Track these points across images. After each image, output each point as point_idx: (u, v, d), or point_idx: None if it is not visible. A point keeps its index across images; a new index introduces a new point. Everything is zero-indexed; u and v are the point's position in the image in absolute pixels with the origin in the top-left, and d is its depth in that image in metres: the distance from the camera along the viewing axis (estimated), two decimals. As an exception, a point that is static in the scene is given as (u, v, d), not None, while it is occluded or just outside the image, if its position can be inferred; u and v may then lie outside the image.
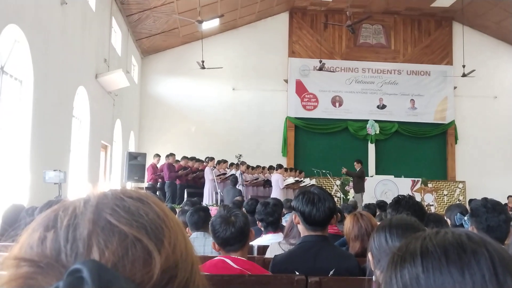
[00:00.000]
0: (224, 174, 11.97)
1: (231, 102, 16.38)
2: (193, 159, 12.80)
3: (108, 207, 0.53)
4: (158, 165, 12.51)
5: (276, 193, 11.10)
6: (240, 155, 12.06)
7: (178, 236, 0.55)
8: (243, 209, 5.50)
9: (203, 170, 12.15)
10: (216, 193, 11.11)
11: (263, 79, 16.47)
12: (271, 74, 16.52)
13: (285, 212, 5.29)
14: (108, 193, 0.56)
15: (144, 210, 0.54)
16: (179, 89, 16.22)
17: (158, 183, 12.29)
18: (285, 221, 4.07)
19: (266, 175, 13.11)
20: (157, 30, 14.54)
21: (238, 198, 8.93)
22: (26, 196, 6.86)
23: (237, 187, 10.94)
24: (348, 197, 14.37)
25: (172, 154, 12.35)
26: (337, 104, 16.80)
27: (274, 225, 3.93)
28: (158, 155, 12.55)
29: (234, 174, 11.80)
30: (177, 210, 5.62)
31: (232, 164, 12.77)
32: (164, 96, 16.28)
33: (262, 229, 3.99)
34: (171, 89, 16.26)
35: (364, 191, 12.57)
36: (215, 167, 11.87)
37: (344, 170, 12.91)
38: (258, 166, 13.39)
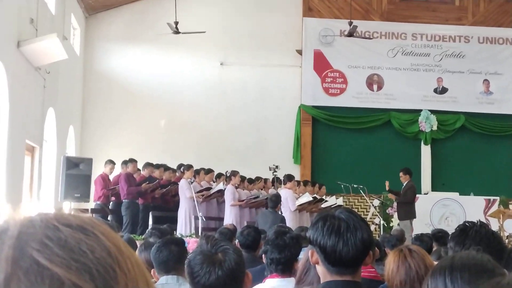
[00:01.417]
0: (209, 189, 11.96)
1: (218, 83, 16.38)
2: (161, 167, 12.79)
3: (35, 240, 0.53)
4: (111, 177, 12.50)
5: (284, 217, 11.09)
6: (277, 167, 11.94)
7: (139, 283, 0.55)
8: (236, 241, 5.50)
9: (176, 184, 12.13)
10: (196, 217, 11.09)
11: (265, 50, 16.48)
12: (276, 42, 16.53)
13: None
14: (35, 218, 0.56)
15: (88, 244, 0.55)
16: (142, 64, 16.20)
17: (111, 202, 12.27)
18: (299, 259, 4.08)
19: (270, 190, 13.11)
20: (109, -24, 14.55)
21: (228, 225, 8.93)
22: None
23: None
24: (391, 225, 14.37)
25: (132, 160, 12.33)
26: (375, 87, 16.82)
27: (283, 266, 3.93)
28: (111, 162, 12.55)
29: (222, 189, 11.80)
30: (138, 243, 5.62)
31: (219, 176, 12.75)
32: (120, 74, 16.27)
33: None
34: (129, 63, 16.24)
35: (414, 217, 12.57)
36: (194, 180, 11.86)
37: (387, 186, 12.91)
38: (258, 178, 13.38)
